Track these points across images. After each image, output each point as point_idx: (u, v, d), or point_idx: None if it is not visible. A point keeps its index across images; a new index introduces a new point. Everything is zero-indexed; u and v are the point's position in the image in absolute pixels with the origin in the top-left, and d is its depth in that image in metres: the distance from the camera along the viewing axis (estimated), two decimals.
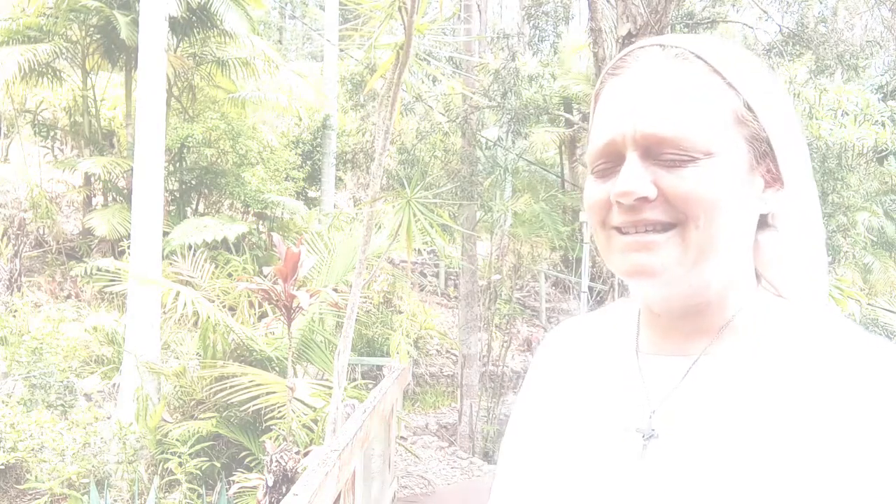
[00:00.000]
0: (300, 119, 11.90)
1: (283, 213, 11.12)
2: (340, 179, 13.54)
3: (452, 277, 13.18)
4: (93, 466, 5.65)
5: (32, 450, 5.42)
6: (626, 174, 0.66)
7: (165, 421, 5.89)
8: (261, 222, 11.24)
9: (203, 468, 5.48)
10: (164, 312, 6.73)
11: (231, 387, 4.99)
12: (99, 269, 7.53)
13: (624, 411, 0.71)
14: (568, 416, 0.76)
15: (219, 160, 10.45)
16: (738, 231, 0.68)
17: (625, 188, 0.65)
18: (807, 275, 0.74)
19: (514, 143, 10.73)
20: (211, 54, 10.39)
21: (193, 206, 11.06)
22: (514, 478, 0.80)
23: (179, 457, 5.44)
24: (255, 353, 5.82)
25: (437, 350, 11.56)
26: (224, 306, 6.23)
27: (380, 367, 7.10)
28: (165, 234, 7.86)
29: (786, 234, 0.72)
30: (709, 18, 9.06)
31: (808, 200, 0.73)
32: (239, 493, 4.52)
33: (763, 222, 0.72)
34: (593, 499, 0.69)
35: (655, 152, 0.66)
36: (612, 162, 0.68)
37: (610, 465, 0.69)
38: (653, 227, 0.66)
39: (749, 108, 0.68)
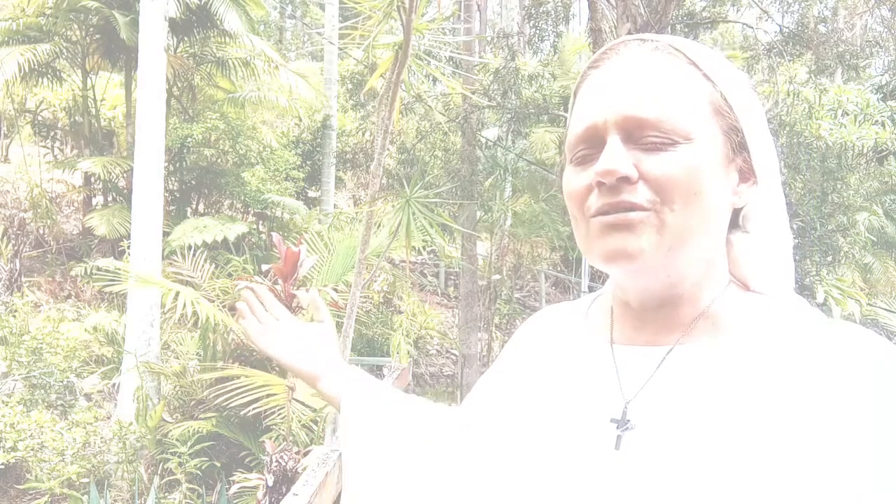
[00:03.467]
0: (300, 119, 11.91)
1: (283, 213, 11.12)
2: (340, 179, 13.54)
3: (452, 277, 13.18)
4: (93, 466, 5.64)
5: (32, 450, 5.41)
6: (608, 154, 0.66)
7: (165, 421, 5.89)
8: (261, 222, 11.24)
9: (203, 468, 5.48)
10: (164, 312, 6.73)
11: (231, 389, 4.98)
12: (99, 269, 7.52)
13: (598, 402, 0.71)
14: (542, 407, 0.76)
15: (219, 160, 10.45)
16: (713, 220, 0.68)
17: (607, 166, 0.66)
18: (774, 273, 0.74)
19: (514, 142, 10.72)
20: (211, 54, 10.39)
21: (193, 206, 11.06)
22: (487, 460, 0.79)
23: (179, 457, 5.44)
24: (254, 353, 5.82)
25: (437, 350, 11.56)
26: (224, 306, 6.23)
27: (380, 367, 7.09)
28: (165, 234, 7.85)
29: (755, 237, 0.73)
30: (709, 18, 9.07)
31: (777, 204, 0.74)
32: (239, 493, 4.51)
33: (734, 223, 0.73)
34: (568, 490, 0.69)
35: (637, 136, 0.67)
36: (592, 148, 0.69)
37: (585, 456, 0.69)
38: (633, 208, 0.66)
39: (725, 101, 0.69)
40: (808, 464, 0.59)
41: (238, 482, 4.47)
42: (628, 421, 0.68)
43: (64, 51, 9.78)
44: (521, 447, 0.75)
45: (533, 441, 0.74)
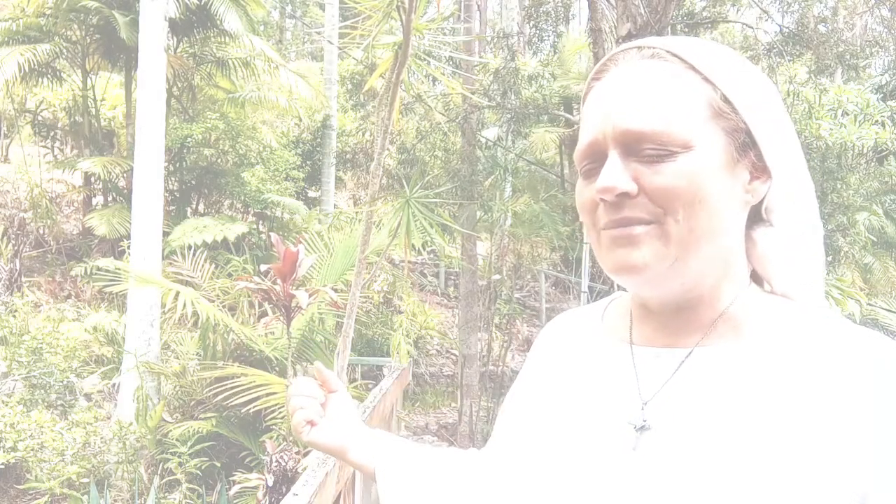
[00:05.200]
0: (300, 119, 11.90)
1: (283, 213, 11.11)
2: (340, 179, 13.53)
3: (452, 277, 13.18)
4: (93, 466, 5.64)
5: (32, 450, 5.41)
6: (606, 171, 0.67)
7: (165, 421, 5.88)
8: (261, 222, 11.23)
9: (203, 468, 5.48)
10: (164, 312, 6.73)
11: (231, 387, 4.98)
12: (99, 269, 7.52)
13: (617, 403, 0.72)
14: (562, 409, 0.77)
15: (219, 160, 10.45)
16: (722, 224, 0.68)
17: (605, 184, 0.67)
18: (802, 270, 0.73)
19: (514, 143, 10.73)
20: (211, 54, 10.39)
21: (193, 206, 11.06)
22: (507, 463, 0.81)
23: (179, 457, 5.44)
24: (254, 353, 5.82)
25: (437, 350, 11.56)
26: (224, 306, 6.23)
27: (380, 367, 7.09)
28: (165, 234, 7.85)
29: (781, 229, 0.72)
30: (709, 18, 9.06)
31: (802, 192, 0.73)
32: (239, 493, 4.51)
33: (757, 217, 0.72)
34: (586, 490, 0.70)
35: (635, 149, 0.67)
36: (596, 162, 0.70)
37: (602, 457, 0.70)
38: (636, 222, 0.67)
39: (727, 101, 0.68)
40: (816, 467, 0.60)
41: (238, 482, 4.47)
42: (645, 422, 0.69)
43: (64, 51, 9.78)
44: (541, 450, 0.76)
45: (552, 443, 0.75)
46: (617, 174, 0.66)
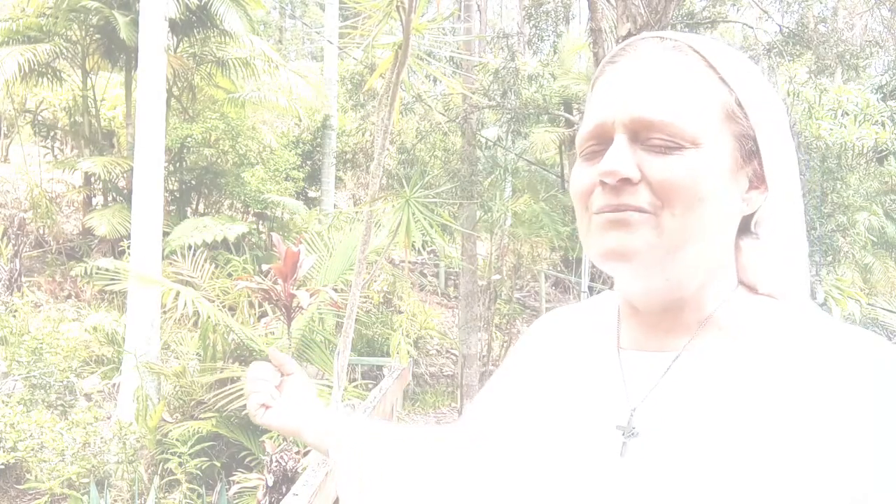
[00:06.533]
0: (300, 119, 11.90)
1: (283, 213, 11.12)
2: (340, 179, 13.54)
3: (452, 277, 13.18)
4: (93, 466, 5.64)
5: (32, 450, 5.41)
6: (612, 153, 0.66)
7: (165, 421, 5.89)
8: (261, 222, 11.24)
9: (203, 468, 5.48)
10: (164, 312, 6.73)
11: (231, 390, 4.98)
12: (99, 269, 7.52)
13: (604, 408, 0.71)
14: (549, 412, 0.76)
15: (219, 160, 10.46)
16: (716, 226, 0.67)
17: (609, 167, 0.65)
18: (785, 281, 0.73)
19: (514, 142, 10.73)
20: (211, 54, 10.39)
21: (193, 206, 11.07)
22: (492, 466, 0.79)
23: (179, 457, 5.44)
24: (255, 353, 5.82)
25: (437, 350, 11.55)
26: (224, 306, 6.23)
27: (380, 367, 7.10)
28: (165, 234, 7.86)
29: (766, 243, 0.72)
30: (709, 18, 9.07)
31: (793, 208, 0.73)
32: (239, 493, 4.51)
33: (745, 228, 0.72)
34: (574, 496, 0.69)
35: (643, 137, 0.66)
36: (601, 144, 0.68)
37: (590, 463, 0.69)
38: (632, 210, 0.66)
39: (740, 106, 0.68)
40: (810, 469, 0.59)
41: (238, 482, 4.47)
42: (633, 428, 0.68)
43: (64, 51, 9.79)
44: (528, 453, 0.75)
45: (540, 447, 0.74)
46: (623, 158, 0.65)
